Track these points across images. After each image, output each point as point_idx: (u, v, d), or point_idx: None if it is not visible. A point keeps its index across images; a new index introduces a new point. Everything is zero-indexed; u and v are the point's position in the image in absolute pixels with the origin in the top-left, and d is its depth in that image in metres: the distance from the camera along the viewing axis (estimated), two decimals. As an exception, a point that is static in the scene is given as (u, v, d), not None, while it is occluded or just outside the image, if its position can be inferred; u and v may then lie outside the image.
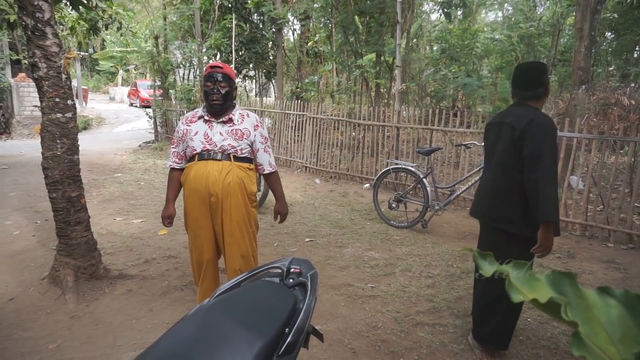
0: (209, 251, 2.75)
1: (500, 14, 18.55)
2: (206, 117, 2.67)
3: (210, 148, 2.60)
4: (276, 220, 2.91)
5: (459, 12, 12.96)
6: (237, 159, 2.63)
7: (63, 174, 3.22)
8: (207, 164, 2.59)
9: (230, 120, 2.66)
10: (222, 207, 2.61)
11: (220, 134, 2.62)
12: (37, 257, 3.98)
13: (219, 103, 2.61)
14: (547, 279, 0.76)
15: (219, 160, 2.59)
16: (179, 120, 2.79)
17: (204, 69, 2.70)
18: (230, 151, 2.60)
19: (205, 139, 2.62)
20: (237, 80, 13.22)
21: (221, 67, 2.63)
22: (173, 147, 2.83)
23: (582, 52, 6.09)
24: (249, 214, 2.70)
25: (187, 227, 2.80)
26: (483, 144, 2.72)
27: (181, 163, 2.82)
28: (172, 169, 2.86)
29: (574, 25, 7.98)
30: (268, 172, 2.78)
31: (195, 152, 2.62)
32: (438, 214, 5.07)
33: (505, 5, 17.19)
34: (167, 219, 2.87)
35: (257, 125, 2.72)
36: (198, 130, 2.65)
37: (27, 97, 16.17)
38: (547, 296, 0.67)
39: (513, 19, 13.55)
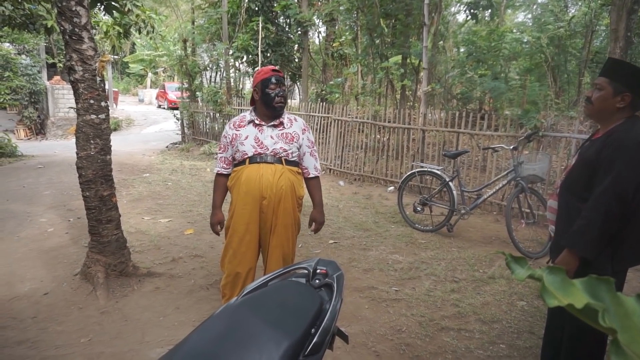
0: (252, 259, 2.70)
1: (529, 14, 18.15)
2: (256, 121, 2.66)
3: (262, 152, 2.59)
4: (310, 227, 2.87)
5: (487, 13, 12.74)
6: (288, 162, 2.64)
7: (96, 174, 3.32)
8: (259, 167, 2.58)
9: (281, 123, 2.67)
10: (273, 210, 2.61)
11: (271, 137, 2.62)
12: (70, 254, 4.11)
13: (282, 105, 2.65)
14: (582, 284, 0.74)
15: (271, 163, 2.59)
16: (227, 125, 2.80)
17: (256, 72, 2.70)
18: (282, 154, 2.61)
19: (256, 142, 2.61)
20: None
21: (279, 71, 2.66)
22: (220, 153, 2.81)
23: (617, 53, 5.89)
24: (295, 218, 2.72)
25: (231, 232, 2.70)
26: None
27: (228, 168, 2.81)
28: (219, 175, 2.84)
29: (608, 26, 7.73)
30: (313, 176, 2.79)
31: (246, 155, 2.61)
32: (464, 218, 5.00)
33: (535, 6, 16.81)
34: (217, 224, 2.85)
35: (304, 129, 2.74)
36: (248, 135, 2.64)
37: (61, 99, 16.73)
38: (584, 302, 0.66)
39: (542, 20, 13.22)
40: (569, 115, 7.26)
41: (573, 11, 13.83)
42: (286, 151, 2.62)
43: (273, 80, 2.59)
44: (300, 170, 2.74)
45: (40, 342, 2.71)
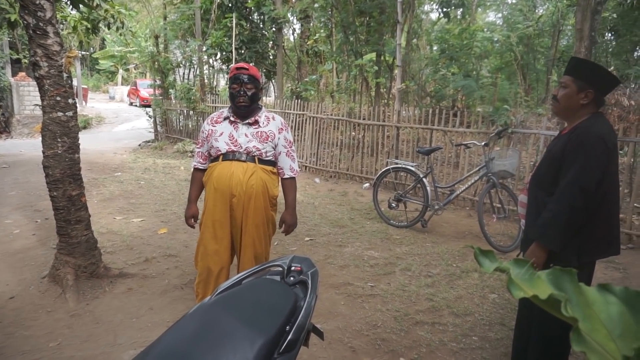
0: (224, 257, 2.68)
1: (499, 14, 18.55)
2: (232, 118, 2.65)
3: (235, 149, 2.58)
4: (281, 229, 2.83)
5: (458, 12, 12.96)
6: (262, 161, 2.61)
7: (64, 173, 3.22)
8: (231, 164, 2.57)
9: (256, 122, 2.64)
10: (243, 209, 2.59)
11: (246, 135, 2.60)
12: (38, 256, 3.98)
13: (245, 105, 2.60)
14: (547, 276, 0.76)
15: (244, 161, 2.58)
16: (206, 119, 2.77)
17: (230, 70, 2.70)
18: (255, 153, 2.58)
19: (230, 140, 2.60)
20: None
21: (247, 69, 2.61)
22: (198, 147, 2.83)
23: (582, 52, 6.10)
24: (268, 217, 2.69)
25: (203, 229, 2.71)
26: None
27: (205, 163, 2.81)
28: (196, 169, 2.86)
29: (574, 26, 7.98)
30: (287, 176, 2.73)
31: (219, 152, 2.61)
32: (438, 214, 5.08)
33: (504, 5, 17.20)
34: (191, 218, 2.85)
35: (281, 128, 2.69)
36: (223, 131, 2.63)
37: (27, 96, 16.16)
38: (548, 293, 0.68)
39: (512, 19, 13.55)
40: (537, 112, 7.47)
41: (541, 11, 14.21)
42: (259, 150, 2.59)
43: (235, 79, 2.59)
44: (275, 170, 2.71)
45: (6, 348, 2.61)
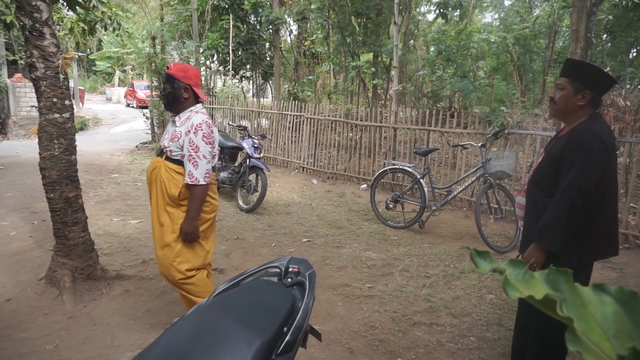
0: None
1: (496, 15, 18.62)
2: (171, 116, 2.73)
3: (161, 145, 2.70)
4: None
5: (456, 13, 13.01)
6: (169, 159, 2.60)
7: (60, 175, 3.21)
8: (154, 158, 2.71)
9: (175, 121, 2.64)
10: (151, 201, 2.70)
11: (169, 132, 2.66)
12: (34, 258, 3.97)
13: (164, 104, 2.69)
14: (543, 276, 0.77)
15: (158, 156, 2.67)
16: None
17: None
18: (165, 150, 2.61)
19: (165, 135, 2.71)
20: (234, 81, 13.22)
21: (168, 68, 2.64)
22: None
23: (578, 53, 6.12)
24: (170, 216, 2.59)
25: None
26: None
27: None
28: None
29: (569, 27, 8.01)
30: (186, 182, 2.52)
31: None
32: (435, 215, 5.09)
33: (501, 6, 17.26)
34: None
35: (189, 130, 2.52)
36: (168, 128, 2.75)
37: (23, 98, 16.09)
38: (543, 293, 0.68)
39: (509, 20, 13.60)
40: (534, 113, 7.50)
41: (537, 12, 14.27)
42: (167, 148, 2.61)
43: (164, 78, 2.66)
44: (181, 171, 2.58)
45: (2, 351, 2.60)
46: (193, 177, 2.49)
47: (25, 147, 11.71)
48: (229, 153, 6.60)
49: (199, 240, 2.63)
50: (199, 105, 2.65)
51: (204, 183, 2.51)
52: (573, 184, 1.96)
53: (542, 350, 2.17)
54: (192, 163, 2.50)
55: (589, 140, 1.97)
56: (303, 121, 8.32)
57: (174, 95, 2.59)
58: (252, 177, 5.95)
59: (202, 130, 2.50)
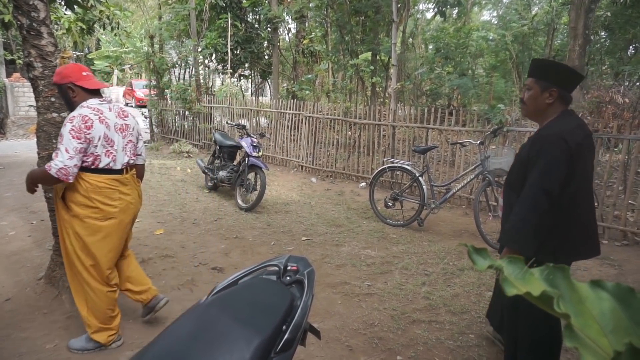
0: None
1: (494, 13, 18.62)
2: None
3: None
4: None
5: (454, 11, 12.99)
6: None
7: (59, 174, 3.20)
8: None
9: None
10: None
11: None
12: (33, 258, 3.97)
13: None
14: (540, 273, 0.77)
15: None
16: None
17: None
18: None
19: None
20: (233, 80, 13.20)
21: None
22: None
23: (576, 50, 6.13)
24: (61, 217, 2.53)
25: None
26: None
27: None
28: None
29: (568, 24, 8.01)
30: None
31: None
32: (434, 212, 5.10)
33: (499, 4, 17.25)
34: None
35: (64, 124, 2.43)
36: None
37: (21, 97, 16.06)
38: (540, 289, 0.68)
39: (507, 18, 13.60)
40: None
41: (536, 10, 14.26)
42: None
43: None
44: None
45: (2, 351, 2.60)
46: (49, 165, 2.33)
47: (23, 147, 11.70)
48: (227, 152, 6.60)
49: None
50: (91, 100, 2.50)
51: (54, 175, 2.30)
52: (536, 185, 1.96)
53: (532, 351, 2.17)
54: (55, 152, 2.37)
55: (550, 140, 1.97)
56: (302, 120, 8.31)
57: (65, 99, 2.56)
58: (251, 175, 5.94)
59: (71, 123, 2.36)
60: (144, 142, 11.85)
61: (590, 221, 2.12)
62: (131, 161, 2.64)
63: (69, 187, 2.45)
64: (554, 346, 2.18)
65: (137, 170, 2.80)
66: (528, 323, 2.15)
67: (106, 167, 2.48)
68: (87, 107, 2.46)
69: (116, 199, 2.53)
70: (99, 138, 2.42)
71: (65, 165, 2.31)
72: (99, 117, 2.45)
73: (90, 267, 2.52)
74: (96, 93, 2.57)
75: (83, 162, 2.40)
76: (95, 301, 2.55)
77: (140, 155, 2.78)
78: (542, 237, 2.00)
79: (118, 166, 2.53)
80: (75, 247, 2.51)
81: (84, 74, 2.51)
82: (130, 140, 2.62)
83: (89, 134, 2.38)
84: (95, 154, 2.43)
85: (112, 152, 2.49)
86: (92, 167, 2.44)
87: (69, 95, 2.51)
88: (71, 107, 2.53)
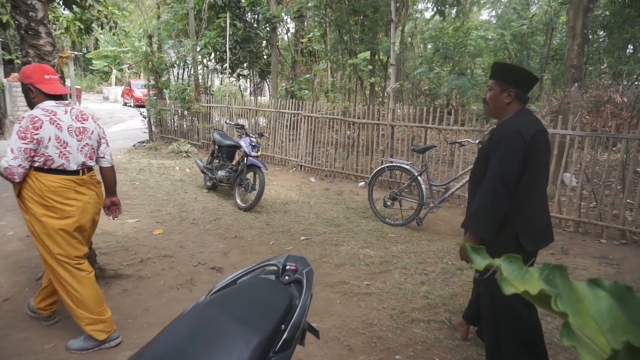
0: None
1: (493, 12, 18.63)
2: None
3: None
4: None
5: (453, 11, 13.01)
6: None
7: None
8: None
9: None
10: None
11: None
12: (32, 258, 3.96)
13: None
14: (538, 271, 0.77)
15: None
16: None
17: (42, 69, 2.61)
18: None
19: None
20: (232, 79, 13.20)
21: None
22: None
23: (574, 50, 6.14)
24: (25, 219, 2.58)
25: None
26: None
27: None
28: None
29: (566, 24, 8.02)
30: None
31: None
32: (433, 212, 5.10)
33: (498, 3, 17.26)
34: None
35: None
36: None
37: (20, 97, 16.01)
38: (538, 288, 0.68)
39: (506, 17, 13.61)
40: (531, 110, 7.50)
41: (534, 9, 14.27)
42: None
43: None
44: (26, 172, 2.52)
45: (1, 351, 2.60)
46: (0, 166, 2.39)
47: (22, 147, 11.68)
48: (226, 151, 6.59)
49: None
50: (46, 102, 2.52)
51: (2, 173, 2.39)
52: (495, 174, 2.13)
53: (514, 339, 2.23)
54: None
55: (507, 134, 2.15)
56: (301, 119, 8.31)
57: (25, 98, 2.59)
58: (250, 175, 5.94)
59: (19, 123, 2.39)
60: (143, 142, 11.82)
61: (542, 211, 2.30)
62: (89, 163, 2.66)
63: (24, 186, 2.49)
64: (537, 331, 2.26)
65: (105, 173, 2.85)
66: (508, 313, 2.22)
67: (60, 167, 2.50)
68: (41, 109, 2.48)
69: (72, 199, 2.56)
70: (49, 139, 2.44)
71: (9, 165, 2.35)
72: (50, 119, 2.46)
73: (59, 255, 2.54)
74: (58, 97, 2.59)
75: (35, 162, 2.44)
76: (77, 291, 2.56)
77: (103, 157, 2.80)
78: (502, 223, 2.15)
79: (73, 167, 2.56)
80: (41, 243, 2.55)
81: (47, 77, 2.54)
82: (87, 144, 2.63)
83: (36, 134, 2.39)
84: (46, 154, 2.44)
85: (65, 154, 2.51)
86: (45, 167, 2.47)
87: (28, 96, 2.55)
88: (31, 106, 2.57)
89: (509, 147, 2.12)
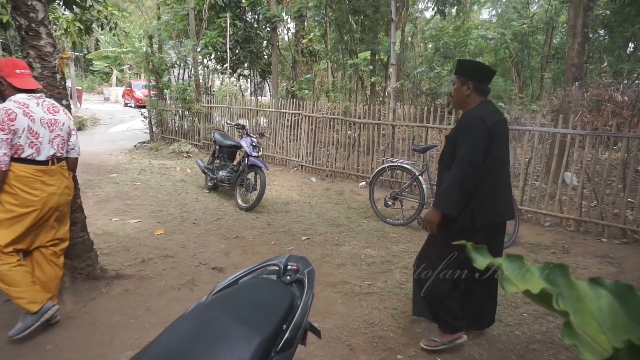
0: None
1: (493, 11, 18.62)
2: None
3: None
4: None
5: (453, 10, 13.00)
6: None
7: (58, 175, 3.20)
8: None
9: None
10: None
11: None
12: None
13: None
14: (539, 271, 0.77)
15: None
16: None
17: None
18: None
19: None
20: (232, 79, 13.21)
21: None
22: None
23: (575, 49, 6.14)
24: None
25: None
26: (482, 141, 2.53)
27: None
28: None
29: (567, 23, 8.02)
30: None
31: None
32: (434, 211, 5.09)
33: (499, 3, 17.25)
34: None
35: None
36: None
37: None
38: (540, 287, 0.68)
39: (506, 17, 13.60)
40: (531, 109, 7.50)
41: (535, 8, 14.26)
42: None
43: None
44: None
45: (2, 352, 2.61)
46: None
47: (23, 148, 11.68)
48: (227, 152, 6.60)
49: None
50: (19, 95, 2.61)
51: None
52: (463, 158, 2.37)
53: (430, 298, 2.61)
54: None
55: (472, 121, 2.41)
56: (301, 119, 8.31)
57: None
58: (251, 175, 5.94)
59: None
60: (143, 142, 11.83)
61: (504, 191, 2.57)
62: (58, 154, 2.75)
63: None
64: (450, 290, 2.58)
65: (69, 162, 2.94)
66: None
67: (29, 157, 2.61)
68: (14, 101, 2.59)
69: (37, 189, 2.64)
70: (23, 130, 2.55)
71: None
72: (24, 111, 2.57)
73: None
74: (31, 90, 2.68)
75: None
76: (11, 279, 2.63)
77: (73, 149, 2.92)
78: (465, 201, 2.41)
79: (42, 157, 2.65)
80: None
81: (18, 71, 2.63)
82: (58, 135, 2.74)
83: (12, 125, 2.51)
84: (18, 144, 2.55)
85: (35, 144, 2.62)
86: (15, 156, 2.56)
87: (0, 89, 2.62)
88: (2, 99, 2.65)
89: (475, 133, 2.38)
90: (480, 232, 2.45)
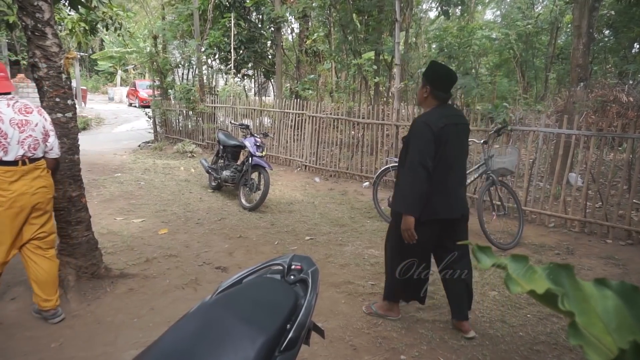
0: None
1: (498, 12, 18.56)
2: None
3: None
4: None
5: (457, 10, 12.98)
6: None
7: (64, 174, 3.22)
8: None
9: None
10: None
11: None
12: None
13: None
14: (544, 271, 0.77)
15: None
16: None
17: None
18: None
19: None
20: (236, 79, 13.24)
21: None
22: None
23: (580, 49, 6.11)
24: None
25: None
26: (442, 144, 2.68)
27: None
28: None
29: (572, 23, 7.99)
30: None
31: None
32: (437, 212, 5.08)
33: (503, 3, 17.20)
34: None
35: None
36: None
37: (26, 98, 16.07)
38: (545, 287, 0.68)
39: (511, 17, 13.56)
40: (536, 110, 7.47)
41: (539, 8, 14.21)
42: None
43: None
44: None
45: (7, 350, 2.62)
46: None
47: (28, 147, 11.74)
48: (231, 151, 6.61)
49: None
50: None
51: None
52: (413, 159, 2.56)
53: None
54: None
55: (418, 126, 2.61)
56: (305, 119, 8.31)
57: None
58: (255, 175, 5.95)
59: None
60: (148, 142, 11.87)
61: (448, 190, 2.68)
62: (29, 154, 2.73)
63: None
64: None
65: (48, 163, 2.92)
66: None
67: None
68: None
69: (5, 189, 2.63)
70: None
71: None
72: None
73: None
74: (3, 93, 2.70)
75: None
76: None
77: (52, 150, 2.90)
78: (421, 200, 2.56)
79: (10, 158, 2.64)
80: None
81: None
82: (30, 135, 2.72)
83: None
84: None
85: (4, 144, 2.60)
86: None
87: None
88: None
89: (421, 137, 2.56)
90: (425, 226, 2.62)
